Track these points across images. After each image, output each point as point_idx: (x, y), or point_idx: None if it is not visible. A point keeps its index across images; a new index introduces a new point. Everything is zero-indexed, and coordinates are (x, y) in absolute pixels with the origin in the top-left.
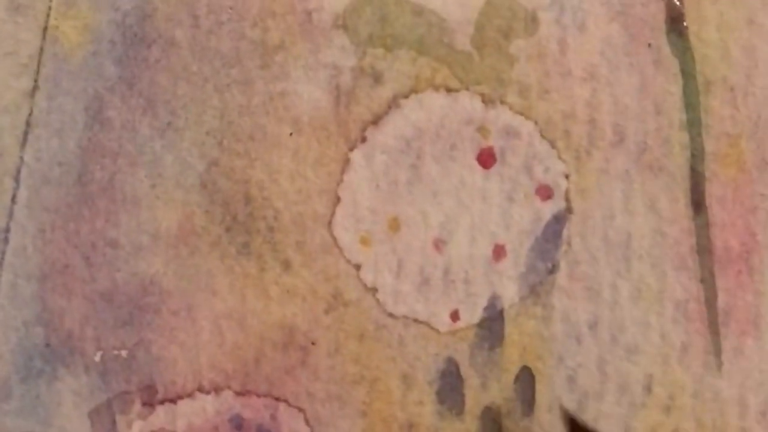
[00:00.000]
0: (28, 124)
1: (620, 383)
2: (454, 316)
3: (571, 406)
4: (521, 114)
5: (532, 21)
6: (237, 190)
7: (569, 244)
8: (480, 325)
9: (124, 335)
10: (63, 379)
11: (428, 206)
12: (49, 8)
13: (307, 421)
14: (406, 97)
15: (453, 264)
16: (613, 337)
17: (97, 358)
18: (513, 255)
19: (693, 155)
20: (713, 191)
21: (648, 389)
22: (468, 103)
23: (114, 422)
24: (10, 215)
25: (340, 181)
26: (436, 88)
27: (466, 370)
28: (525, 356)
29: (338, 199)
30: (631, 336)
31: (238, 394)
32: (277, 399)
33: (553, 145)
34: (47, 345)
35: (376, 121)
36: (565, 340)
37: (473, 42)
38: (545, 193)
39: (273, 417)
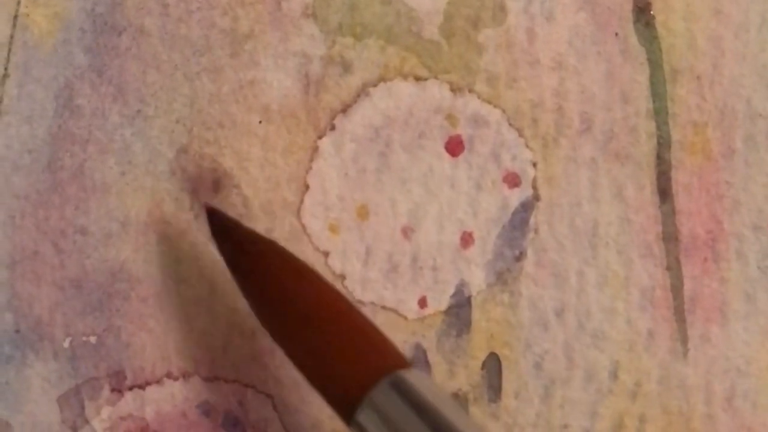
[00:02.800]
0: None
1: (587, 370)
2: (422, 302)
3: (538, 392)
4: (489, 102)
5: (501, 10)
6: (206, 178)
7: (536, 231)
8: (447, 311)
9: (93, 322)
10: (32, 365)
11: (397, 194)
12: None
13: (274, 407)
14: (374, 85)
15: (421, 251)
16: (580, 323)
17: (66, 345)
18: (481, 242)
19: (659, 143)
20: (679, 179)
21: (614, 376)
22: (436, 91)
23: (83, 408)
24: None
25: (309, 169)
26: (405, 77)
27: (433, 356)
28: (492, 343)
29: (307, 187)
30: (597, 323)
31: (207, 380)
32: (245, 385)
33: (520, 133)
34: (17, 331)
35: (345, 109)
36: (532, 327)
37: (442, 31)
38: (513, 180)
39: (241, 403)
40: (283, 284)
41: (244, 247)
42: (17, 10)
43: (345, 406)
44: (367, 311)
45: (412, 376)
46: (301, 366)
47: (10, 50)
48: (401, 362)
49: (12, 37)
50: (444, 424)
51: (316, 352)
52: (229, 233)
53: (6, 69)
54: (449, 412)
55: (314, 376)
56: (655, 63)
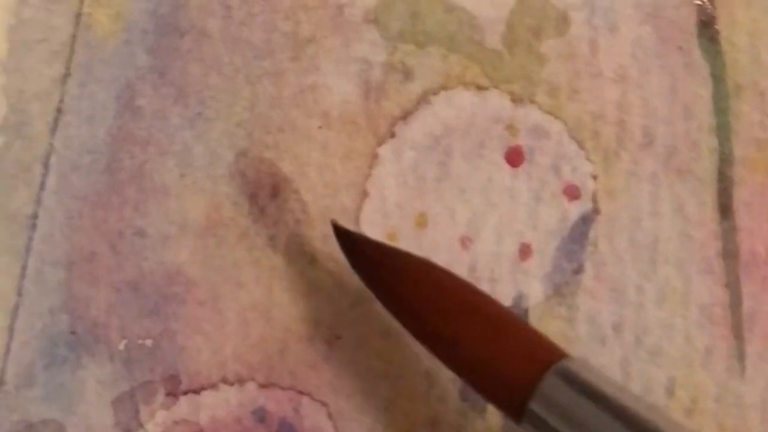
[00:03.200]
0: (58, 110)
1: (643, 385)
2: None
3: None
4: (550, 113)
5: (564, 21)
6: (265, 182)
7: (595, 245)
8: None
9: (149, 324)
10: (87, 367)
11: (456, 203)
12: None
13: (330, 416)
14: (435, 93)
15: (479, 262)
16: (638, 338)
17: (122, 347)
18: (539, 254)
19: (721, 159)
20: (741, 196)
21: (671, 392)
22: (497, 101)
23: (137, 411)
24: (39, 202)
25: (368, 176)
26: (466, 86)
27: None
28: None
29: (366, 194)
30: (655, 338)
31: (262, 386)
32: (301, 392)
33: (581, 145)
34: (72, 332)
35: (405, 116)
36: (589, 341)
37: (504, 40)
38: (573, 193)
39: (296, 410)
40: (430, 297)
41: (381, 264)
42: (80, 9)
43: (515, 402)
44: None
45: (577, 364)
46: (465, 372)
47: (72, 49)
48: (561, 352)
49: (74, 36)
50: (617, 406)
51: (479, 355)
52: (361, 251)
53: (68, 68)
54: (619, 394)
55: (480, 379)
56: (718, 78)
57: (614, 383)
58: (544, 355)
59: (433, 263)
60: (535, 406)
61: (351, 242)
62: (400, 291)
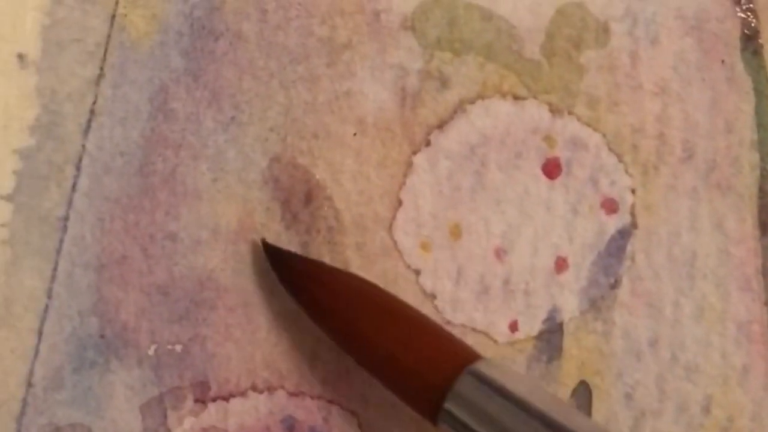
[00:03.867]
0: (92, 112)
1: (679, 402)
2: (513, 326)
3: (627, 423)
4: (589, 125)
5: (604, 32)
6: (298, 189)
7: (633, 259)
8: (539, 337)
9: (179, 330)
10: (116, 372)
11: (491, 214)
12: None
13: (360, 426)
14: (472, 102)
15: (514, 274)
16: (674, 355)
17: (151, 352)
18: (575, 268)
19: (762, 175)
20: None
21: (707, 410)
22: (535, 111)
23: (165, 417)
24: (70, 203)
25: (402, 185)
26: (503, 95)
27: None
28: (583, 371)
29: (400, 203)
30: (691, 355)
31: (292, 394)
32: (331, 402)
33: (620, 158)
34: (101, 336)
35: (441, 125)
36: (625, 357)
37: (543, 50)
38: (610, 206)
39: (326, 420)
40: (347, 304)
41: (302, 274)
42: (115, 10)
43: (431, 403)
44: (457, 333)
45: (490, 365)
46: (382, 374)
47: (106, 50)
48: (476, 355)
49: (109, 36)
50: (529, 405)
51: (395, 357)
52: (285, 264)
53: (102, 69)
54: (531, 394)
55: (397, 381)
56: (761, 92)
57: (528, 383)
58: (459, 357)
59: (355, 275)
60: (450, 406)
61: (278, 257)
62: (321, 297)
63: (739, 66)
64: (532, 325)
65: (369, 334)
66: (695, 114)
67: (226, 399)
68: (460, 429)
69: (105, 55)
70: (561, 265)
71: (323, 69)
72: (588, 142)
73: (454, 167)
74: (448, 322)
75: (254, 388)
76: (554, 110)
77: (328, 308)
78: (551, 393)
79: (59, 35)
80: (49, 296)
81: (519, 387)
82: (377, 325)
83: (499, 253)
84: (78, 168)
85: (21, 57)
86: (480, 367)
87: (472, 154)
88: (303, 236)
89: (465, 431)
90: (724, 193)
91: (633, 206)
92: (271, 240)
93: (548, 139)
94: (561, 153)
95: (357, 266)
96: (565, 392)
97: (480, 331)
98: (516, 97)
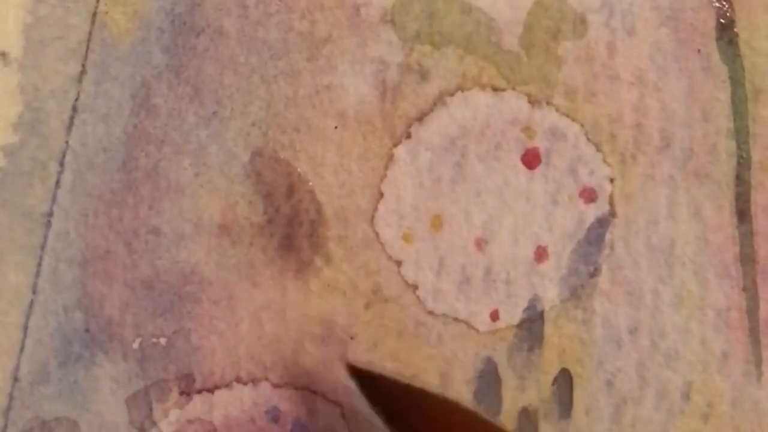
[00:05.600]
0: (74, 109)
1: (659, 389)
2: (494, 315)
3: (609, 410)
4: (567, 116)
5: (581, 23)
6: (281, 182)
7: (612, 248)
8: (519, 325)
9: (163, 323)
10: (101, 365)
11: (471, 205)
12: None
13: (343, 416)
14: (452, 94)
15: (494, 264)
16: (654, 342)
17: (136, 345)
18: (555, 257)
19: (739, 163)
20: (759, 200)
21: (687, 396)
22: (514, 102)
23: (151, 410)
24: (54, 199)
25: (383, 177)
26: (483, 87)
27: (504, 370)
28: (564, 359)
29: (381, 195)
30: (671, 342)
31: (276, 386)
32: (315, 392)
33: (598, 148)
34: (86, 330)
35: (421, 117)
36: (605, 344)
37: (521, 42)
38: (589, 196)
39: (310, 411)
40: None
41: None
42: (96, 7)
43: None
44: (438, 323)
45: None
46: None
47: (88, 47)
48: None
49: (90, 34)
50: None
51: None
52: (380, 388)
53: (84, 66)
54: None
55: None
56: (737, 81)
57: None
58: None
59: (446, 397)
60: None
61: (369, 381)
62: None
63: (715, 55)
64: (513, 314)
65: None
66: (672, 103)
67: (210, 391)
68: None
69: (87, 52)
70: (541, 254)
71: (304, 63)
72: (566, 132)
73: (435, 159)
74: (430, 313)
75: (239, 380)
76: (533, 101)
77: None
78: None
79: (41, 33)
80: (34, 292)
81: None
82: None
83: (480, 244)
84: (61, 164)
85: (3, 55)
86: None
87: (452, 145)
88: (286, 229)
89: None
90: (702, 181)
91: (611, 195)
92: (253, 233)
93: (527, 130)
94: (540, 143)
95: (340, 258)
96: (546, 380)
97: (461, 321)
98: (495, 89)
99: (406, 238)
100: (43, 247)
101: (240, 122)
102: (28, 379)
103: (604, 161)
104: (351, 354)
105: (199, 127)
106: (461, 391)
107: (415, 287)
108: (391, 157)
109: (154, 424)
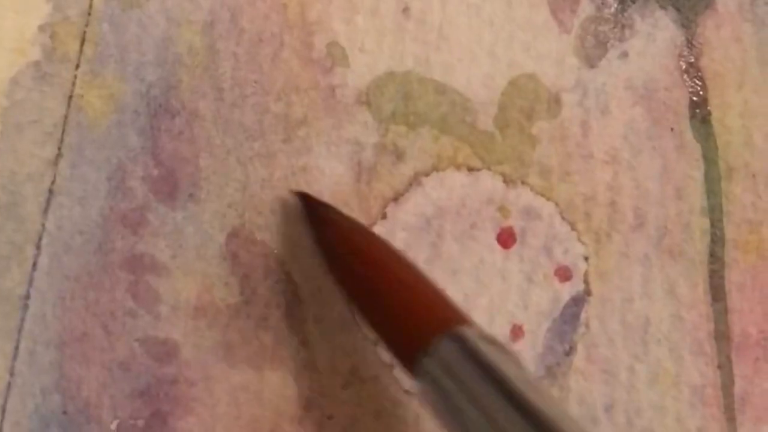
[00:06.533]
0: (50, 192)
1: None
2: None
3: None
4: (542, 195)
5: (555, 103)
6: (257, 264)
7: (587, 326)
8: None
9: (140, 405)
10: None
11: (447, 284)
12: (75, 77)
13: None
14: (427, 175)
15: None
16: (629, 420)
17: (114, 427)
18: (531, 335)
19: (713, 241)
20: (733, 277)
21: None
22: (489, 182)
23: None
24: (31, 282)
25: None
26: (458, 167)
27: None
28: None
29: None
30: (647, 420)
31: None
32: None
33: (573, 227)
34: (64, 412)
35: (397, 198)
36: (581, 422)
37: (496, 122)
38: (564, 274)
39: None
40: (366, 255)
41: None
42: (72, 91)
43: (410, 354)
44: (415, 402)
45: (476, 333)
46: (376, 321)
47: (63, 130)
48: (465, 319)
49: (66, 117)
50: (500, 378)
51: (387, 306)
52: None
53: (60, 149)
54: (507, 369)
55: (386, 330)
56: (710, 160)
57: (510, 362)
58: (448, 319)
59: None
60: (427, 362)
61: (313, 208)
62: (340, 246)
63: (688, 134)
64: None
65: (377, 279)
66: (646, 182)
67: None
68: (433, 387)
69: (63, 135)
70: (517, 332)
71: (279, 145)
72: (541, 211)
73: (411, 239)
74: (407, 392)
75: None
76: (508, 181)
77: (344, 253)
78: (534, 376)
79: (17, 117)
80: (12, 374)
81: (496, 359)
82: (386, 273)
83: None
84: (38, 247)
85: None
86: (464, 332)
87: (428, 225)
88: (262, 310)
89: (437, 390)
90: (676, 259)
91: (586, 273)
92: (230, 314)
93: (502, 209)
94: (515, 222)
95: (317, 338)
96: None
97: None
98: (470, 169)
99: None
100: (20, 329)
101: (216, 204)
102: None
103: (579, 240)
104: None
105: (176, 209)
106: None
107: (392, 367)
108: None
109: None
